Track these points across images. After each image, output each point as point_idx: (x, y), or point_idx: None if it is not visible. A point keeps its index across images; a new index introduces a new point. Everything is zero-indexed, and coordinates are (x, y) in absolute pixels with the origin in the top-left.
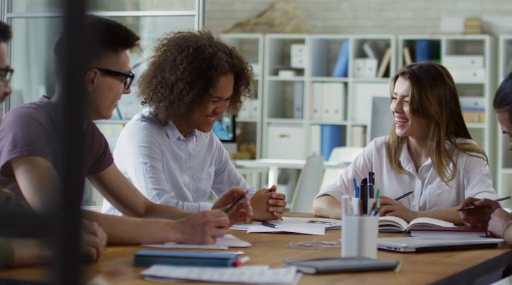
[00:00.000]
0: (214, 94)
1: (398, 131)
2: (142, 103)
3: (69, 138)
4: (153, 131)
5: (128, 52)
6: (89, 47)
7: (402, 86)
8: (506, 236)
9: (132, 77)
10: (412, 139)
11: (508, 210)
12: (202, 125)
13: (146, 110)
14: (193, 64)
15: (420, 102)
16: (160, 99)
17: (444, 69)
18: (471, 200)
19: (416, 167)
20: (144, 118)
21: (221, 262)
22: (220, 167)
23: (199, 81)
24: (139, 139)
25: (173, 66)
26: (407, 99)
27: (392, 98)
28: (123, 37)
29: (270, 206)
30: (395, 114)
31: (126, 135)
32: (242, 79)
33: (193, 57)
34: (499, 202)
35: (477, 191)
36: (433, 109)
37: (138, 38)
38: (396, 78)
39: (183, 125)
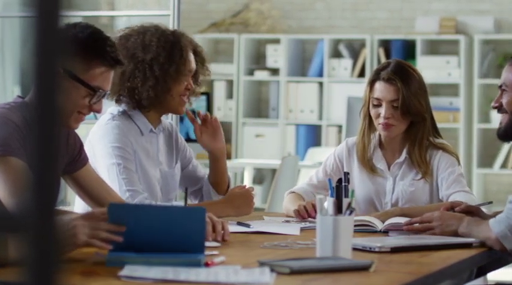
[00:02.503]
0: (187, 67)
1: (385, 133)
2: (117, 101)
3: (42, 138)
4: (125, 129)
5: (107, 71)
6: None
7: (388, 91)
8: (483, 237)
9: (95, 91)
10: (384, 138)
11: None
12: (178, 106)
13: (114, 108)
14: (162, 39)
15: (409, 103)
16: (143, 80)
17: (412, 65)
18: (452, 205)
19: (388, 165)
20: (115, 117)
21: (192, 262)
22: (185, 162)
23: (175, 52)
24: (111, 139)
25: (144, 46)
26: (396, 103)
27: (373, 104)
28: (101, 50)
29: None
30: (383, 119)
31: (98, 135)
32: (197, 55)
33: (159, 34)
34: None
35: (453, 191)
36: (420, 107)
37: (119, 60)
38: (373, 82)
39: (157, 111)
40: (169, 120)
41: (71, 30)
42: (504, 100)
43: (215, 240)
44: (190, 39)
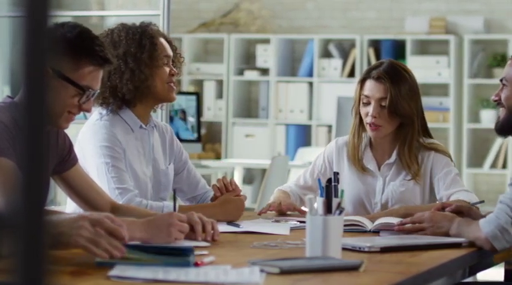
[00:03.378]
0: (161, 52)
1: (373, 134)
2: (102, 104)
3: (32, 139)
4: (113, 129)
5: (96, 70)
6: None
7: (378, 89)
8: (473, 237)
9: (84, 90)
10: (374, 139)
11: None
12: (167, 93)
13: (101, 108)
14: (130, 32)
15: (397, 104)
16: (120, 76)
17: (406, 67)
18: (443, 205)
19: (379, 165)
20: (103, 117)
21: (181, 262)
22: (180, 166)
23: (144, 41)
24: (100, 138)
25: (114, 43)
26: (384, 102)
27: (363, 102)
28: (89, 49)
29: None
30: (371, 118)
31: (87, 135)
32: (168, 43)
33: (127, 29)
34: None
35: (454, 190)
36: (409, 110)
37: (107, 59)
38: (363, 80)
39: (145, 104)
40: (160, 120)
41: (59, 30)
42: (503, 95)
43: (205, 240)
44: (157, 28)
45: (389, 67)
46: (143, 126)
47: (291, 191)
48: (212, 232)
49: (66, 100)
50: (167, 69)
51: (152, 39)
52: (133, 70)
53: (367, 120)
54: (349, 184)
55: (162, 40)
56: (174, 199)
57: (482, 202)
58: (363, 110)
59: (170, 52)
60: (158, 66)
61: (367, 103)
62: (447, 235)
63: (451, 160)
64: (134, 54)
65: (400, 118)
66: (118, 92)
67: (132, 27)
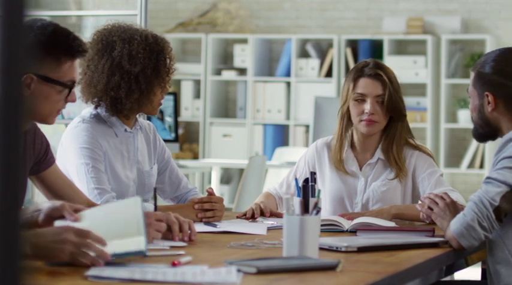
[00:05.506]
0: (170, 76)
1: (368, 129)
2: (96, 106)
3: (8, 140)
4: (94, 132)
5: (72, 61)
6: (27, 48)
7: (375, 86)
8: (446, 236)
9: (71, 87)
10: (358, 139)
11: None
12: (155, 109)
13: (87, 110)
14: (147, 49)
15: (394, 100)
16: (127, 93)
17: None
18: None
19: (360, 165)
20: (85, 120)
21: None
22: (162, 166)
23: (160, 63)
24: (80, 141)
25: (131, 58)
26: (381, 99)
27: (356, 100)
28: (66, 46)
29: (197, 211)
30: (368, 115)
31: (68, 138)
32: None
33: (145, 44)
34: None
35: (440, 190)
36: (402, 106)
37: (84, 49)
38: (356, 79)
39: (133, 114)
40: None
41: (32, 33)
42: (470, 106)
43: (182, 240)
44: (167, 41)
45: (380, 65)
46: (128, 129)
47: (277, 194)
48: (189, 232)
49: (55, 100)
50: (166, 89)
51: (166, 63)
52: (143, 92)
53: (363, 116)
54: (330, 184)
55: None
56: (155, 198)
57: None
58: (357, 108)
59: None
60: (164, 86)
61: (362, 101)
62: (442, 227)
63: (434, 161)
64: (148, 76)
65: (394, 115)
66: (118, 104)
67: (150, 41)
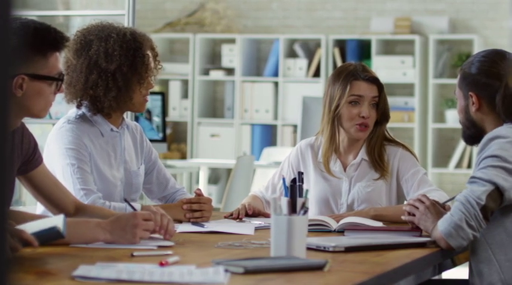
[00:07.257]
0: (149, 73)
1: (361, 134)
2: (78, 106)
3: None
4: (79, 132)
5: (57, 54)
6: (14, 50)
7: (371, 89)
8: (433, 237)
9: (61, 79)
10: (344, 141)
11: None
12: (141, 106)
13: (73, 111)
14: (124, 47)
15: (385, 104)
16: (105, 90)
17: None
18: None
19: (344, 166)
20: (70, 121)
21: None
22: (150, 166)
23: (137, 60)
24: (65, 141)
25: (107, 55)
26: (374, 101)
27: (351, 103)
28: (51, 40)
29: (186, 211)
30: (362, 119)
31: (53, 139)
32: (152, 50)
33: (122, 41)
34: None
35: (423, 190)
36: (388, 108)
37: (67, 39)
38: (353, 81)
39: (118, 113)
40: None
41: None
42: (457, 108)
43: (165, 238)
44: (147, 38)
45: (368, 68)
46: (114, 128)
47: (263, 197)
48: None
49: (48, 94)
50: (149, 85)
51: (144, 60)
52: (121, 89)
53: (357, 121)
54: (315, 186)
55: (149, 52)
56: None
57: (453, 198)
58: (352, 111)
59: (153, 65)
60: (143, 83)
61: (356, 104)
62: (427, 230)
63: (417, 160)
64: (125, 73)
65: (382, 117)
66: (98, 102)
67: (127, 38)
